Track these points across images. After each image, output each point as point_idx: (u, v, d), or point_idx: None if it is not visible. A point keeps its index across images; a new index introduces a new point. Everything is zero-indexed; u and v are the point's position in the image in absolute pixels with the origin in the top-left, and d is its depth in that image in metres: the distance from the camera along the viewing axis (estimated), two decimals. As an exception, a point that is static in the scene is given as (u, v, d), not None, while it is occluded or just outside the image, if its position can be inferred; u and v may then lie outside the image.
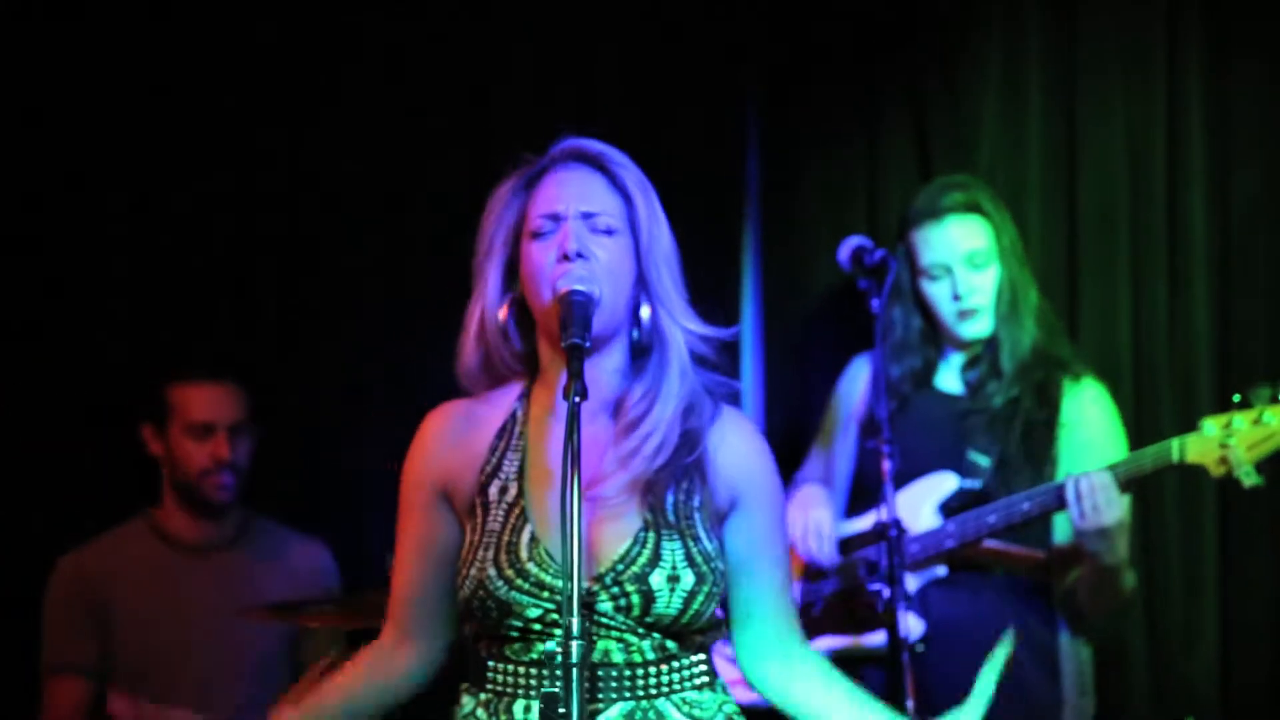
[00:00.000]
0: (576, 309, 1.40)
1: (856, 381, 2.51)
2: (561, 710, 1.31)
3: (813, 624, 2.54)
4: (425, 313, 2.76)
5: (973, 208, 2.37)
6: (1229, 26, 2.59)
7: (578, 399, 1.34)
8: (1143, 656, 2.63)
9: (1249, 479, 2.13)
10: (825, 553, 2.49)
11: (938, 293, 2.36)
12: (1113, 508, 2.18)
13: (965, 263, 2.33)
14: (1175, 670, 2.62)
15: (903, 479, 2.39)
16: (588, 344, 1.38)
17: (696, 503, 1.53)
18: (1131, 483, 2.25)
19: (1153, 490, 2.60)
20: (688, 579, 1.48)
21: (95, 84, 2.87)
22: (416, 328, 2.82)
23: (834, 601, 2.58)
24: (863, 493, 2.51)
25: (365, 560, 2.62)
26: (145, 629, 2.63)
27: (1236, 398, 2.19)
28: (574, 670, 1.31)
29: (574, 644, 1.30)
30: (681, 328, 1.51)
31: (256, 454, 2.75)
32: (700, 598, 1.48)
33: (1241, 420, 2.15)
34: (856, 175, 2.81)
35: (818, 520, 2.53)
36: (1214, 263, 2.60)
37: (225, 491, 2.63)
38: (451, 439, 1.58)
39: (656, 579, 1.47)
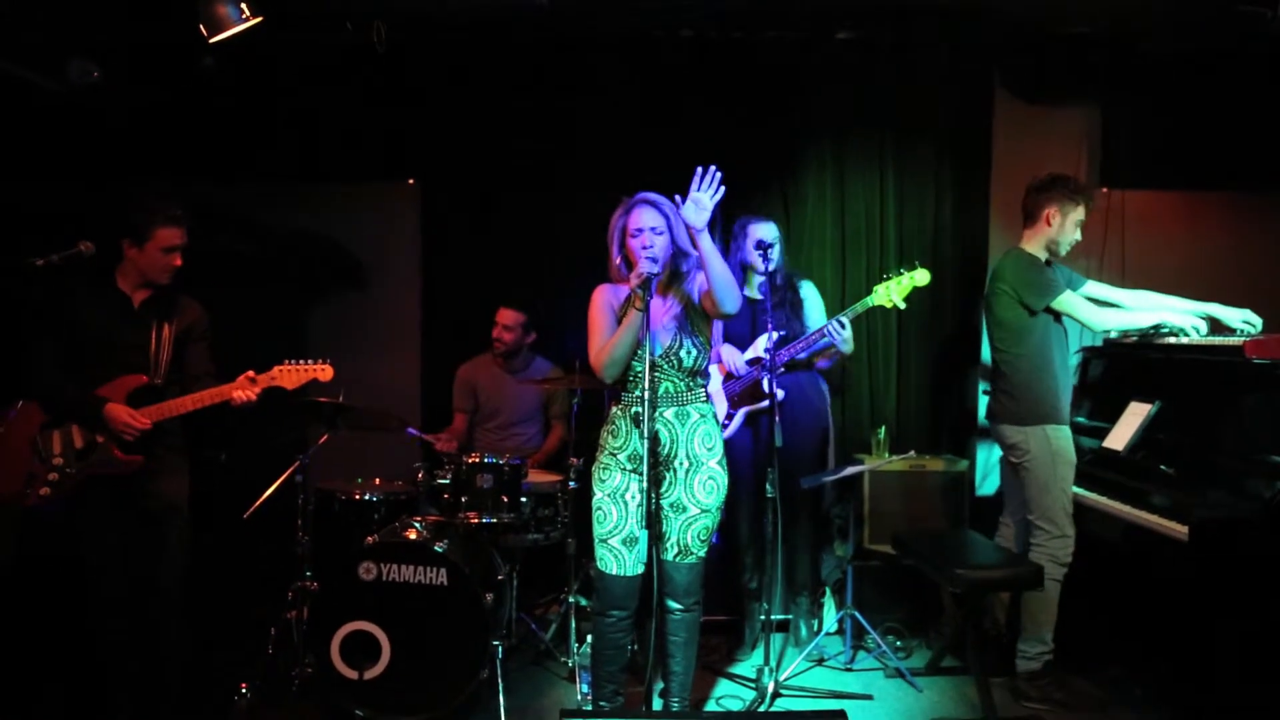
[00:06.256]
0: (647, 271, 2.75)
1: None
2: (637, 410, 2.71)
3: (736, 401, 4.09)
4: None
5: (766, 218, 4.14)
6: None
7: (641, 309, 2.70)
8: (866, 398, 4.99)
9: (892, 304, 3.99)
10: (739, 367, 4.12)
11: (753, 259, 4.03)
12: (847, 331, 3.97)
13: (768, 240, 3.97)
14: (880, 401, 4.96)
15: (746, 339, 4.10)
16: (653, 278, 2.75)
17: (692, 319, 2.85)
18: (855, 320, 4.01)
19: (880, 338, 4.92)
20: (694, 351, 2.85)
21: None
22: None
23: (744, 390, 4.15)
24: (739, 344, 4.21)
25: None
26: (490, 396, 4.70)
27: (886, 274, 4.04)
28: (646, 402, 2.60)
29: (646, 392, 2.64)
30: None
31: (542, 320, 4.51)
32: (700, 360, 2.85)
33: (886, 281, 4.03)
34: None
35: (731, 354, 4.14)
36: (900, 257, 4.79)
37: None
38: (614, 292, 2.98)
39: (683, 353, 2.84)
